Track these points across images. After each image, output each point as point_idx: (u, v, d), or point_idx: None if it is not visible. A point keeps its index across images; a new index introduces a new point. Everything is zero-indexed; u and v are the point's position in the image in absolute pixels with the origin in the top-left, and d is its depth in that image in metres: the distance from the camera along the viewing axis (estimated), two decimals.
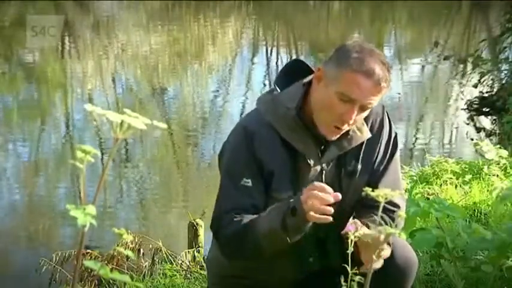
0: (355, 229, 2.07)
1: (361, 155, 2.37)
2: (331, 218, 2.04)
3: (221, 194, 2.37)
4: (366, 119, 2.37)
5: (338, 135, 2.29)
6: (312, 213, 2.06)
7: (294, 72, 2.38)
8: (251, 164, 2.31)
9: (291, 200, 2.16)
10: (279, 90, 2.36)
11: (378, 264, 2.09)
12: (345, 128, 2.25)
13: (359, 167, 2.37)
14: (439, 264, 3.12)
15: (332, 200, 2.05)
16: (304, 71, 2.38)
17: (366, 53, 2.21)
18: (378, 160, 2.40)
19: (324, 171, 2.35)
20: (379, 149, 2.40)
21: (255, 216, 2.26)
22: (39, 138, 8.46)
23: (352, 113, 2.21)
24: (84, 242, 1.23)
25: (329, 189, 2.08)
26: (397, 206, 2.33)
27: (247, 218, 2.27)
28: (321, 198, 2.05)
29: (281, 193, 2.32)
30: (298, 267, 2.40)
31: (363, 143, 2.37)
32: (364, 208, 2.32)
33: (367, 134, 2.35)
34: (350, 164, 2.37)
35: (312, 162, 2.33)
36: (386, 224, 2.32)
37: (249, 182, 2.30)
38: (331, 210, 2.05)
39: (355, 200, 2.37)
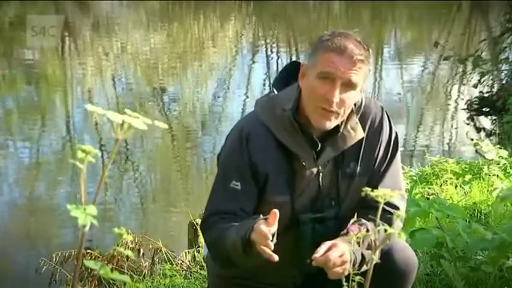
0: (357, 230, 2.07)
1: (361, 156, 2.37)
2: (276, 258, 2.04)
3: (211, 196, 2.41)
4: (364, 119, 2.37)
5: (330, 123, 2.26)
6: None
7: (292, 74, 2.38)
8: (243, 167, 2.32)
9: (249, 227, 2.14)
10: (276, 92, 2.37)
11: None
12: (334, 109, 2.23)
13: (358, 168, 2.37)
14: (439, 264, 3.12)
15: (271, 246, 2.06)
16: None
17: (337, 35, 2.26)
18: (378, 161, 2.39)
19: (320, 173, 2.35)
20: (379, 150, 2.39)
21: (229, 225, 2.26)
22: (40, 138, 8.45)
23: (334, 89, 2.21)
24: (84, 242, 1.23)
25: (265, 233, 2.06)
26: (395, 207, 2.32)
27: (225, 225, 2.27)
28: (263, 244, 2.06)
29: (277, 196, 2.33)
30: (296, 269, 2.40)
31: (361, 144, 2.36)
32: (362, 209, 2.33)
33: (361, 134, 2.35)
34: (348, 165, 2.37)
35: (307, 164, 2.33)
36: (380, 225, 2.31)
37: (238, 185, 2.32)
38: (274, 257, 2.05)
39: (355, 202, 2.37)
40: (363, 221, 2.30)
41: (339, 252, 2.12)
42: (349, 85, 2.23)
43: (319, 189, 2.36)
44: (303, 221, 2.32)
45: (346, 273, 2.10)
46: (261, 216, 2.17)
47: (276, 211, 2.08)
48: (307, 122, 2.30)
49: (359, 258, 2.23)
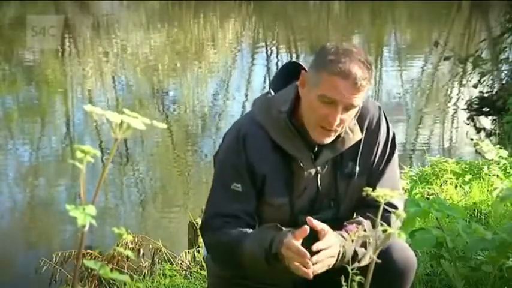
0: (355, 229, 2.07)
1: (359, 156, 2.37)
2: (311, 275, 2.09)
3: (211, 197, 2.40)
4: (362, 120, 2.37)
5: (330, 139, 2.28)
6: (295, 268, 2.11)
7: (289, 74, 2.38)
8: (242, 169, 2.32)
9: (274, 240, 2.16)
10: (273, 93, 2.37)
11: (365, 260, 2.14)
12: (334, 128, 2.24)
13: (357, 169, 2.37)
14: (439, 264, 3.11)
15: (310, 265, 2.09)
16: (300, 73, 2.38)
17: (342, 54, 2.21)
18: (376, 161, 2.39)
19: (318, 175, 2.35)
20: (377, 150, 2.40)
21: (242, 232, 2.27)
22: (39, 138, 8.45)
23: (335, 114, 2.21)
24: (84, 242, 1.23)
25: (304, 252, 2.09)
26: (394, 207, 2.33)
27: (234, 231, 2.28)
28: (300, 262, 2.10)
29: (276, 198, 2.33)
30: None
31: (359, 144, 2.36)
32: (361, 208, 2.33)
33: (358, 135, 2.35)
34: (347, 166, 2.37)
35: (304, 165, 2.33)
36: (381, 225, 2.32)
37: (239, 187, 2.32)
38: (310, 275, 2.09)
39: (353, 202, 2.37)
40: (360, 218, 2.31)
41: (325, 245, 2.15)
42: (350, 108, 2.23)
43: (317, 190, 2.36)
44: (302, 222, 2.32)
45: (326, 268, 2.14)
46: (279, 225, 2.20)
47: (307, 227, 2.11)
48: (303, 125, 2.30)
49: (350, 253, 2.23)
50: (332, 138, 2.28)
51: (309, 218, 2.17)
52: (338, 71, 2.19)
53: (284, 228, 2.18)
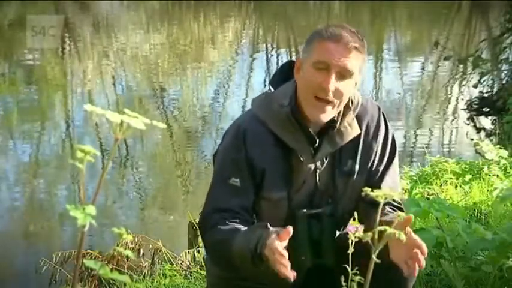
0: (355, 230, 2.07)
1: (358, 155, 2.37)
2: (292, 278, 1.99)
3: (210, 192, 2.40)
4: (361, 119, 2.38)
5: (326, 116, 2.26)
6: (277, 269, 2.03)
7: (288, 72, 2.39)
8: (241, 164, 2.32)
9: (259, 240, 2.10)
10: (272, 90, 2.38)
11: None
12: (330, 98, 2.23)
13: (356, 167, 2.37)
14: (439, 264, 3.11)
15: (291, 279, 2.00)
16: None
17: (332, 26, 2.28)
18: (376, 161, 2.40)
19: (317, 170, 2.36)
20: (377, 149, 2.40)
21: (233, 230, 2.24)
22: (39, 138, 8.45)
23: (329, 78, 2.21)
24: (84, 242, 1.23)
25: (284, 255, 2.01)
26: (400, 203, 2.35)
27: (227, 227, 2.26)
28: (280, 263, 2.00)
29: (273, 192, 2.33)
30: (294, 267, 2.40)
31: (358, 143, 2.37)
32: (365, 206, 2.33)
33: (357, 130, 2.35)
34: (346, 164, 2.37)
35: (304, 159, 2.33)
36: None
37: (237, 182, 2.32)
38: (291, 277, 2.00)
39: (352, 200, 2.38)
40: (391, 214, 2.29)
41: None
42: (344, 73, 2.23)
43: (316, 186, 2.36)
44: (299, 217, 2.33)
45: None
46: (269, 225, 2.14)
47: (290, 228, 2.04)
48: (304, 118, 2.30)
49: None
50: (328, 114, 2.26)
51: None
52: (329, 36, 2.23)
53: (271, 228, 2.13)
